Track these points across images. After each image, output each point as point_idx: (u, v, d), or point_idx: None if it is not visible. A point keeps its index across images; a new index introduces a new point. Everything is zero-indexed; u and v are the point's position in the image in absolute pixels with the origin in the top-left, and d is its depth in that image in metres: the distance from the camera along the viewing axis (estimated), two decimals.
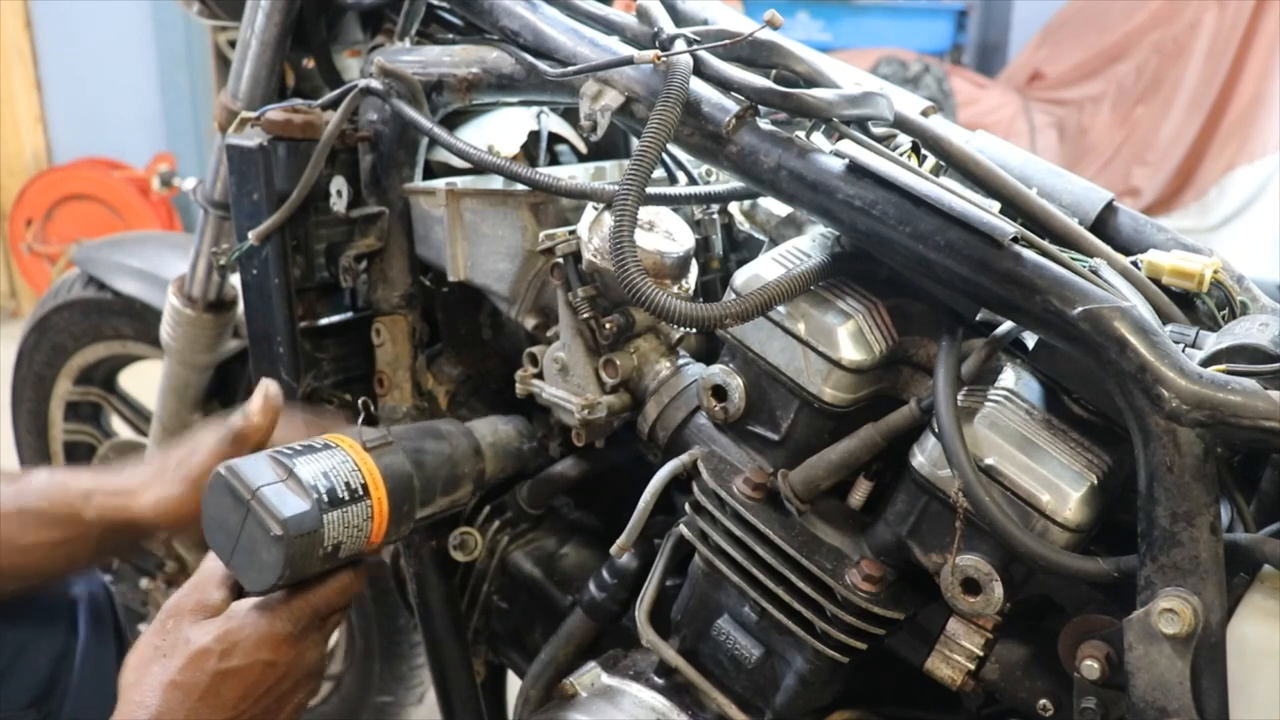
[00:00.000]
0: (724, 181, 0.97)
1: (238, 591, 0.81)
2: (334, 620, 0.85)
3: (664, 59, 0.80)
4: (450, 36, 1.05)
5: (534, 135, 1.15)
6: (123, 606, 1.12)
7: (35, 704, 1.01)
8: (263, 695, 0.79)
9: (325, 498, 0.79)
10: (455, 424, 0.99)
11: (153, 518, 0.93)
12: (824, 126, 0.80)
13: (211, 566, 0.83)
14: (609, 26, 0.90)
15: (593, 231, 0.89)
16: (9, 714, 1.00)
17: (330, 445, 0.84)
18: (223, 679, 0.76)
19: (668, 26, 0.84)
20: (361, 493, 0.82)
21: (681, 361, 0.95)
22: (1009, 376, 0.75)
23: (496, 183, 1.04)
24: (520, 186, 0.94)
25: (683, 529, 0.85)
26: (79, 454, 1.80)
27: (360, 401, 0.98)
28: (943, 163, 0.85)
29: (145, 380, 1.69)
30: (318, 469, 0.80)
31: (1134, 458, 0.65)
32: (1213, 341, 0.69)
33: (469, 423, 1.00)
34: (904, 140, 0.84)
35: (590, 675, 0.92)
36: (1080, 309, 0.65)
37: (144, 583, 1.62)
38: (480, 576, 1.08)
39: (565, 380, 0.95)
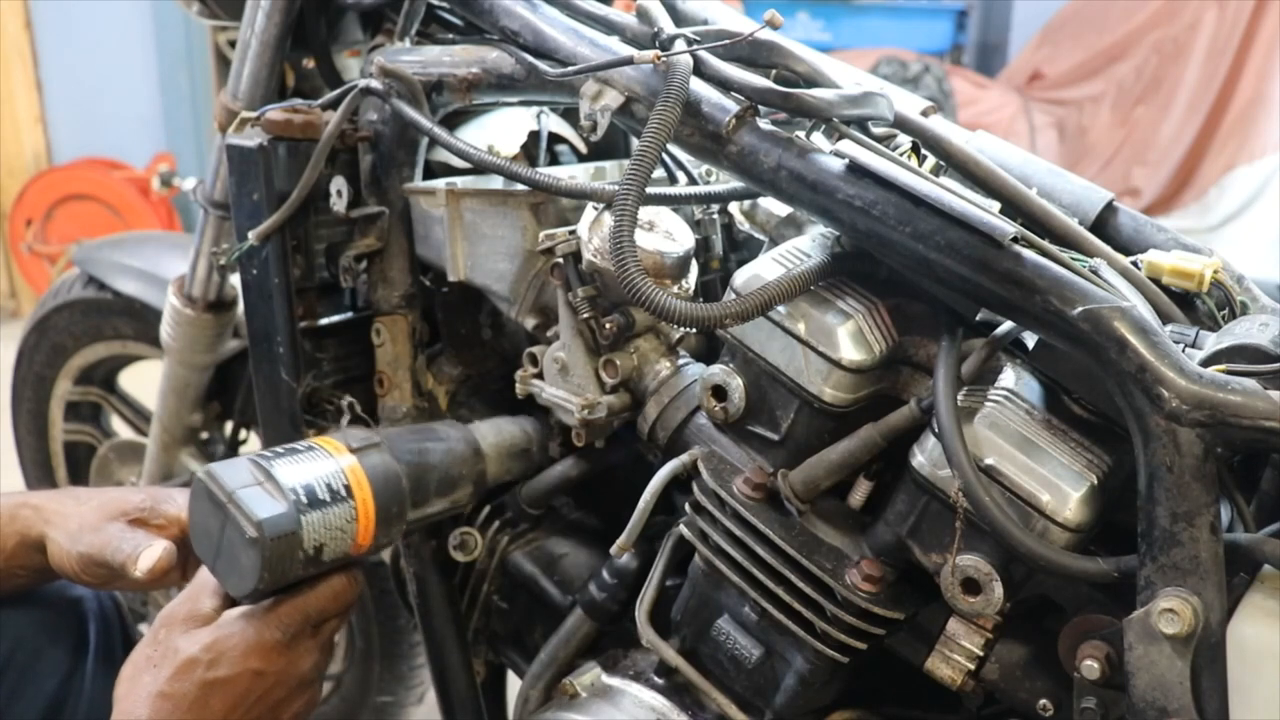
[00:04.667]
0: (724, 181, 0.97)
1: (231, 601, 0.81)
2: (330, 627, 0.84)
3: (664, 59, 0.80)
4: (450, 36, 1.05)
5: (534, 135, 1.15)
6: (129, 609, 1.10)
7: None
8: (253, 705, 0.78)
9: (304, 499, 0.78)
10: (453, 425, 0.99)
11: (48, 548, 0.91)
12: (824, 126, 0.80)
13: (206, 576, 0.82)
14: (609, 26, 0.90)
15: (593, 231, 0.89)
16: None
17: (313, 447, 0.83)
18: (211, 689, 0.75)
19: (668, 26, 0.84)
20: (344, 494, 0.81)
21: (681, 361, 0.95)
22: (1009, 376, 0.75)
23: (496, 183, 1.04)
24: (520, 186, 0.94)
25: (683, 529, 0.85)
26: (79, 454, 1.80)
27: (346, 403, 0.97)
28: (943, 163, 0.85)
29: (145, 380, 1.69)
30: (297, 470, 0.80)
31: (1134, 458, 0.65)
32: (1213, 341, 0.69)
33: (472, 424, 1.00)
34: (904, 140, 0.84)
35: (590, 675, 0.92)
36: (1080, 309, 0.65)
37: None
38: (480, 576, 1.08)
39: (565, 380, 0.95)
